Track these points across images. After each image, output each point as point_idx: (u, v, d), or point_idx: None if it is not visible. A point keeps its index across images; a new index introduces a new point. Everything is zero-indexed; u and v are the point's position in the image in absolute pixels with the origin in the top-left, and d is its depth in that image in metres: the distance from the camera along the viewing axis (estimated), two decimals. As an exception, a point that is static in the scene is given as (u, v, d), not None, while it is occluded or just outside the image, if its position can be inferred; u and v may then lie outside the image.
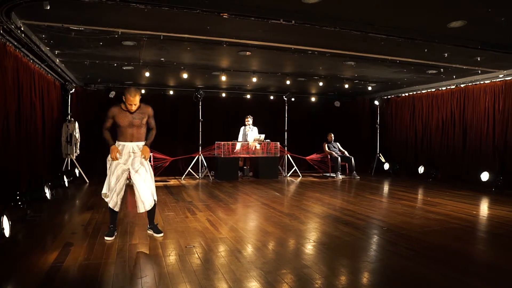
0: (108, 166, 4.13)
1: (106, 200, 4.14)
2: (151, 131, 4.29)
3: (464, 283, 2.96)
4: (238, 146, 9.98)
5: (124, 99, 3.99)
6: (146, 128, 4.24)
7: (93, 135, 9.90)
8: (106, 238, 4.08)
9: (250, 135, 10.24)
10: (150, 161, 4.45)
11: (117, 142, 4.13)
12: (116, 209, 4.16)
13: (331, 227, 4.72)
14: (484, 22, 4.89)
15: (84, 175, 8.79)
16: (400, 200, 6.75)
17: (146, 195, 4.09)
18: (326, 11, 4.60)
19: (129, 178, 4.17)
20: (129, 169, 4.11)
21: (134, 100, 3.94)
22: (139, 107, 4.07)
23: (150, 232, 4.28)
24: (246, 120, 10.33)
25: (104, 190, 4.14)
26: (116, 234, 4.23)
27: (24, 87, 6.11)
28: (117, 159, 4.03)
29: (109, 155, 4.07)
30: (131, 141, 4.12)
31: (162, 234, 4.21)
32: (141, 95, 4.01)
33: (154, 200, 4.20)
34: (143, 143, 4.20)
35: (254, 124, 10.47)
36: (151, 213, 4.26)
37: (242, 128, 10.46)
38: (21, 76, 5.96)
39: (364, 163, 11.57)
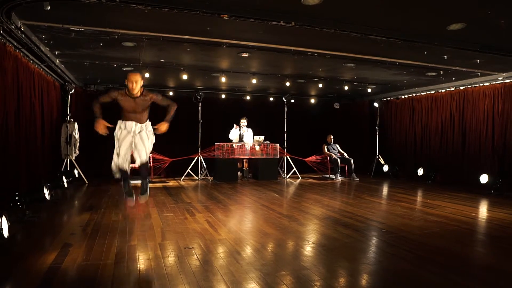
0: (116, 138, 4.30)
1: (115, 171, 4.32)
2: (169, 106, 4.32)
3: (463, 286, 2.96)
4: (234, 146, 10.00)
5: (126, 82, 4.08)
6: (148, 112, 4.34)
7: (92, 136, 9.88)
8: (128, 198, 4.41)
9: (246, 136, 10.24)
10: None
11: (120, 120, 4.29)
12: (128, 170, 4.35)
13: (330, 229, 4.72)
14: (484, 24, 4.90)
15: (83, 175, 8.79)
16: (399, 202, 6.75)
17: (142, 152, 4.29)
18: (326, 13, 4.61)
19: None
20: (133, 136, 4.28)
21: (135, 77, 4.00)
22: (142, 93, 4.13)
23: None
24: (241, 121, 10.32)
25: (114, 164, 4.30)
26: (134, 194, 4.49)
27: (23, 88, 6.11)
28: (102, 132, 4.08)
29: (117, 129, 4.27)
30: (133, 122, 4.28)
31: (146, 195, 4.44)
32: (143, 77, 4.08)
33: (147, 162, 4.43)
34: (144, 124, 4.33)
35: (253, 125, 10.46)
36: (143, 183, 4.47)
37: (235, 129, 10.39)
38: (21, 77, 5.95)
39: (364, 165, 11.57)
